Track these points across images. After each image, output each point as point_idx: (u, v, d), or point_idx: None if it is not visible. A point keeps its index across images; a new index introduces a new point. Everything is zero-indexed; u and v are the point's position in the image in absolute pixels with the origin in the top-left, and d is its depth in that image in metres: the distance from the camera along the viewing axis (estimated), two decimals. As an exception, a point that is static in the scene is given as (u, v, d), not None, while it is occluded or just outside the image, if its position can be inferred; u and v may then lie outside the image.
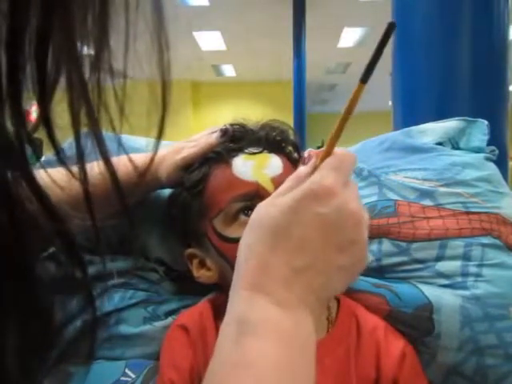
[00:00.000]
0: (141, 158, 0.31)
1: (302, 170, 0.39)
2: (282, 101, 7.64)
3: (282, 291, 0.34)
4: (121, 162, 0.27)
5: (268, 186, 0.54)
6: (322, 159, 0.39)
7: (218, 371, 0.32)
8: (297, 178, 0.38)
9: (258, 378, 0.30)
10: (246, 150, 0.57)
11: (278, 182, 0.54)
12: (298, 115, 5.65)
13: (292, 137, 0.61)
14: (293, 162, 0.59)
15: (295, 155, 0.61)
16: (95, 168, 0.25)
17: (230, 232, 0.53)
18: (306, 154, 0.78)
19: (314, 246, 0.35)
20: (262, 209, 0.37)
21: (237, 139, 0.58)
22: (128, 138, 0.62)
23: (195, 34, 6.32)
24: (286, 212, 0.35)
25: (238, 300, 0.34)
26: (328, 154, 0.39)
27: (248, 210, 0.53)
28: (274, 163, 0.56)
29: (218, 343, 0.34)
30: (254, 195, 0.53)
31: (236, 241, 0.53)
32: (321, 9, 5.52)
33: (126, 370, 0.59)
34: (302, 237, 0.35)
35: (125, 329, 0.61)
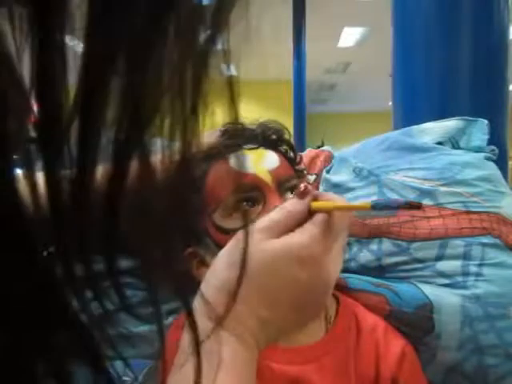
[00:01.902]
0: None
1: (296, 206, 0.41)
2: (282, 101, 7.64)
3: (244, 333, 0.37)
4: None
5: (266, 177, 0.55)
6: (319, 209, 0.40)
7: None
8: (289, 214, 0.40)
9: None
10: (244, 147, 0.58)
11: (275, 173, 0.55)
12: (298, 115, 5.64)
13: (287, 137, 0.62)
14: (288, 161, 0.61)
15: (291, 154, 0.62)
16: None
17: (229, 223, 0.54)
18: (305, 154, 0.78)
19: (282, 304, 0.38)
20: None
21: (234, 137, 0.59)
22: None
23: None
24: (266, 265, 0.38)
25: (205, 330, 0.36)
26: (326, 210, 0.40)
27: (248, 200, 0.54)
28: (270, 157, 0.57)
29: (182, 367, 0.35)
30: (253, 186, 0.54)
31: (235, 231, 0.54)
32: (321, 9, 5.52)
33: (126, 370, 0.59)
34: (274, 293, 0.38)
35: (124, 328, 0.61)
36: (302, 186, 0.55)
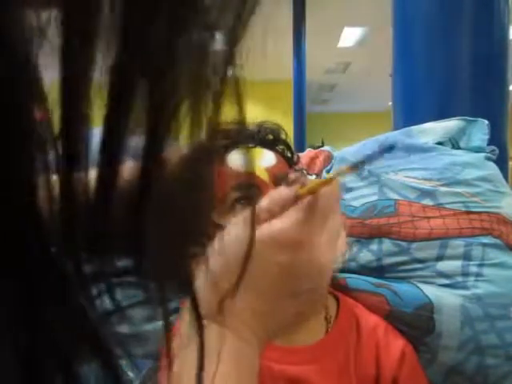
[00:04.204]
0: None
1: (282, 193, 0.40)
2: (281, 101, 7.63)
3: (241, 327, 0.37)
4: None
5: (263, 175, 0.55)
6: (306, 193, 0.39)
7: None
8: (273, 201, 0.39)
9: None
10: (241, 146, 0.58)
11: (272, 171, 0.56)
12: (298, 115, 5.64)
13: (283, 136, 0.63)
14: (286, 160, 0.61)
15: (288, 154, 0.62)
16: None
17: (227, 221, 0.54)
18: (305, 154, 0.78)
19: (270, 294, 0.37)
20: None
21: (231, 137, 0.59)
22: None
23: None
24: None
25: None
26: (312, 192, 0.38)
27: (245, 198, 0.55)
28: (267, 156, 0.58)
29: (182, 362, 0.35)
30: (250, 185, 0.55)
31: None
32: (321, 9, 5.52)
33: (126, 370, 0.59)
34: (262, 282, 0.37)
35: (126, 328, 0.61)
36: (293, 175, 0.54)
